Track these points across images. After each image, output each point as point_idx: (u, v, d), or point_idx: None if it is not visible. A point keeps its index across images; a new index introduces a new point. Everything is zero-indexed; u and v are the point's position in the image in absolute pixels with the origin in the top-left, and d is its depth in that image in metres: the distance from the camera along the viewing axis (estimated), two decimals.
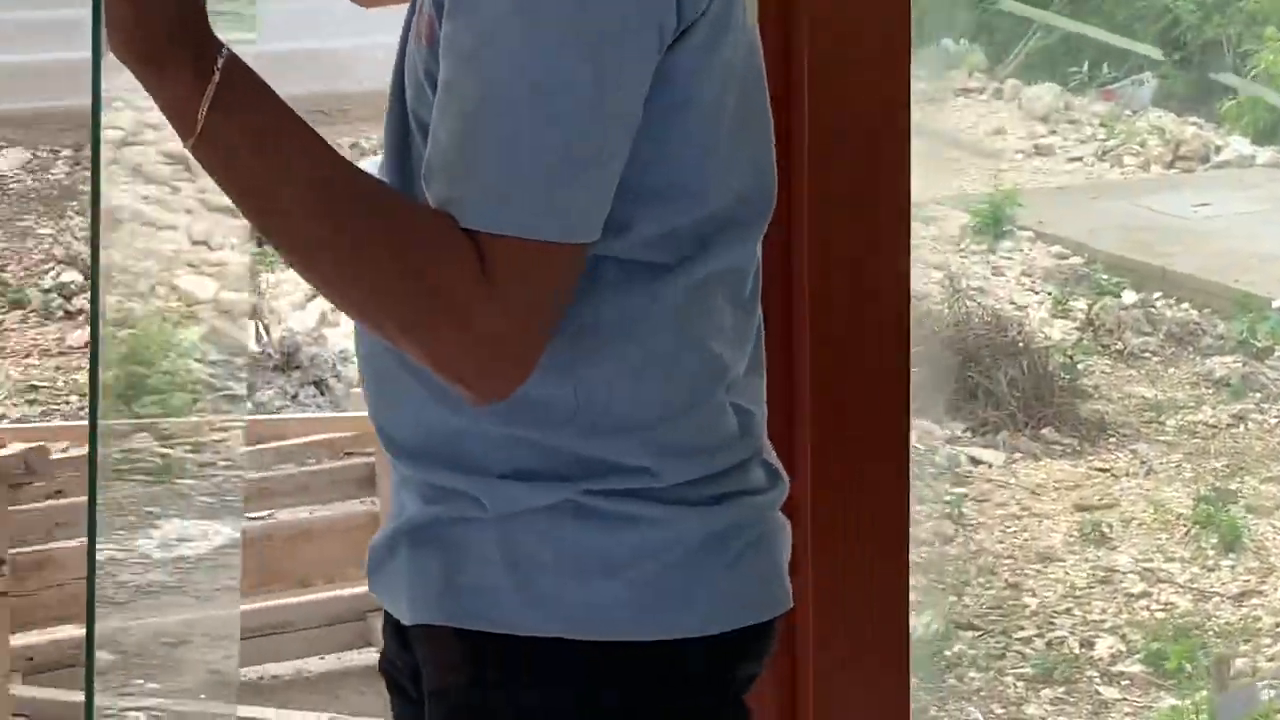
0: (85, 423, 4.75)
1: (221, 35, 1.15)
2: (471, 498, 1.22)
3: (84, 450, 4.50)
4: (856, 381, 1.82)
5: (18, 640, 4.16)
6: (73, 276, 6.47)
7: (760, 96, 1.28)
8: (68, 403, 5.87)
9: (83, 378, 5.61)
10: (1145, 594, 4.96)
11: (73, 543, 4.20)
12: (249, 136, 1.13)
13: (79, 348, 5.90)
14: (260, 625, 4.21)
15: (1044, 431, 5.54)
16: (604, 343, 1.20)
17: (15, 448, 4.59)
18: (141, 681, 3.62)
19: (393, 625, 1.31)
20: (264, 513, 4.49)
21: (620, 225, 1.17)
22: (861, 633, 1.82)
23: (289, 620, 4.45)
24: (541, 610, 1.22)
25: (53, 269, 6.62)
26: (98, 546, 3.75)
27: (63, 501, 4.46)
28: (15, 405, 5.82)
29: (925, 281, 5.55)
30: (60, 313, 6.38)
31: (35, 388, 5.94)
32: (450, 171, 1.14)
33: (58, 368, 6.09)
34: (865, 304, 1.82)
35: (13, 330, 6.29)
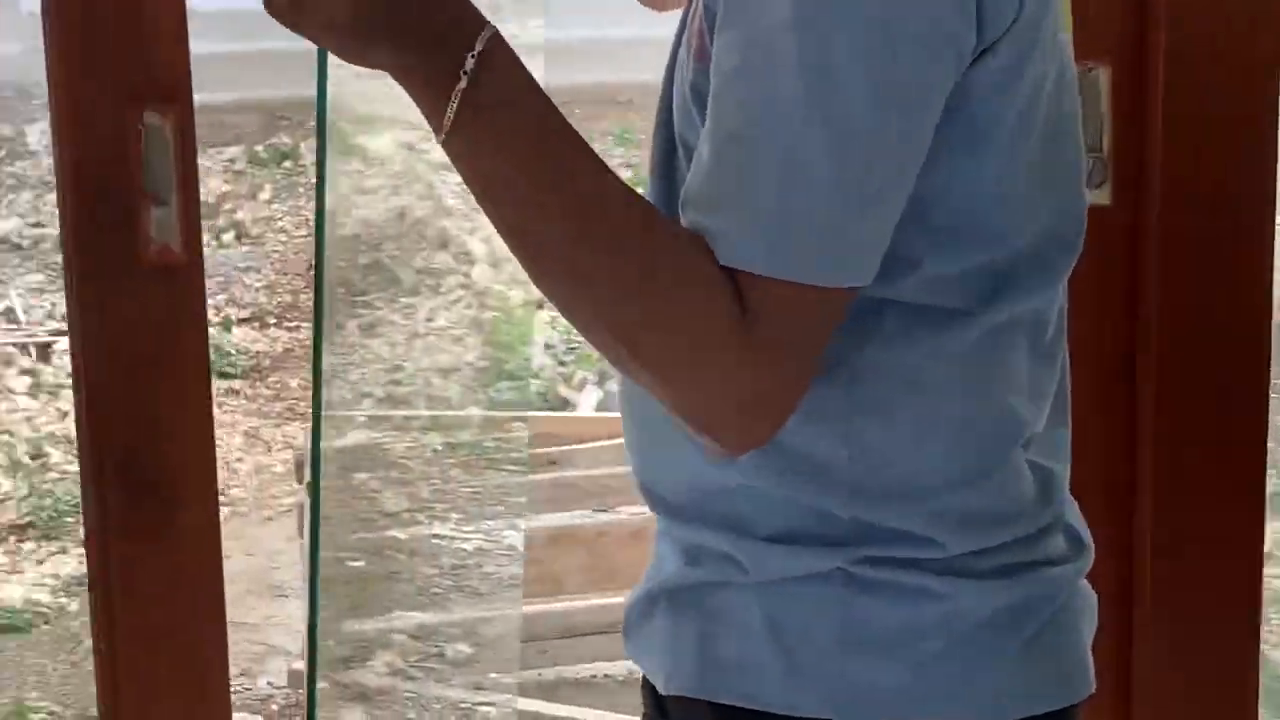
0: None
1: (508, 21, 1.08)
2: (734, 560, 1.14)
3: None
4: (1207, 412, 1.59)
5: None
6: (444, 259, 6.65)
7: (1071, 119, 1.16)
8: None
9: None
10: None
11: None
12: (509, 144, 1.06)
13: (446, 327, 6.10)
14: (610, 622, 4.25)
15: None
16: (884, 397, 1.10)
17: None
18: (496, 675, 3.75)
19: (649, 689, 1.23)
20: (607, 508, 4.51)
21: (907, 265, 1.07)
22: None
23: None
24: (807, 689, 1.12)
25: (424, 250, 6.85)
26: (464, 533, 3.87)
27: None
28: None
29: None
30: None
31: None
32: (711, 200, 1.04)
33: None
34: (1223, 320, 1.58)
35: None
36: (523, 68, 1.06)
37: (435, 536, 4.51)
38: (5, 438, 5.89)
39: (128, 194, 1.55)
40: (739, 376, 1.04)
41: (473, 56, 1.03)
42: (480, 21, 1.05)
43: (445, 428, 4.96)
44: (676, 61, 1.15)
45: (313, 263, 6.88)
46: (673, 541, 1.19)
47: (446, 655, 4.00)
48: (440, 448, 4.92)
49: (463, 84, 1.03)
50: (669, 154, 1.16)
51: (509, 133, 1.05)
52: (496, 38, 1.05)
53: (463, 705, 3.87)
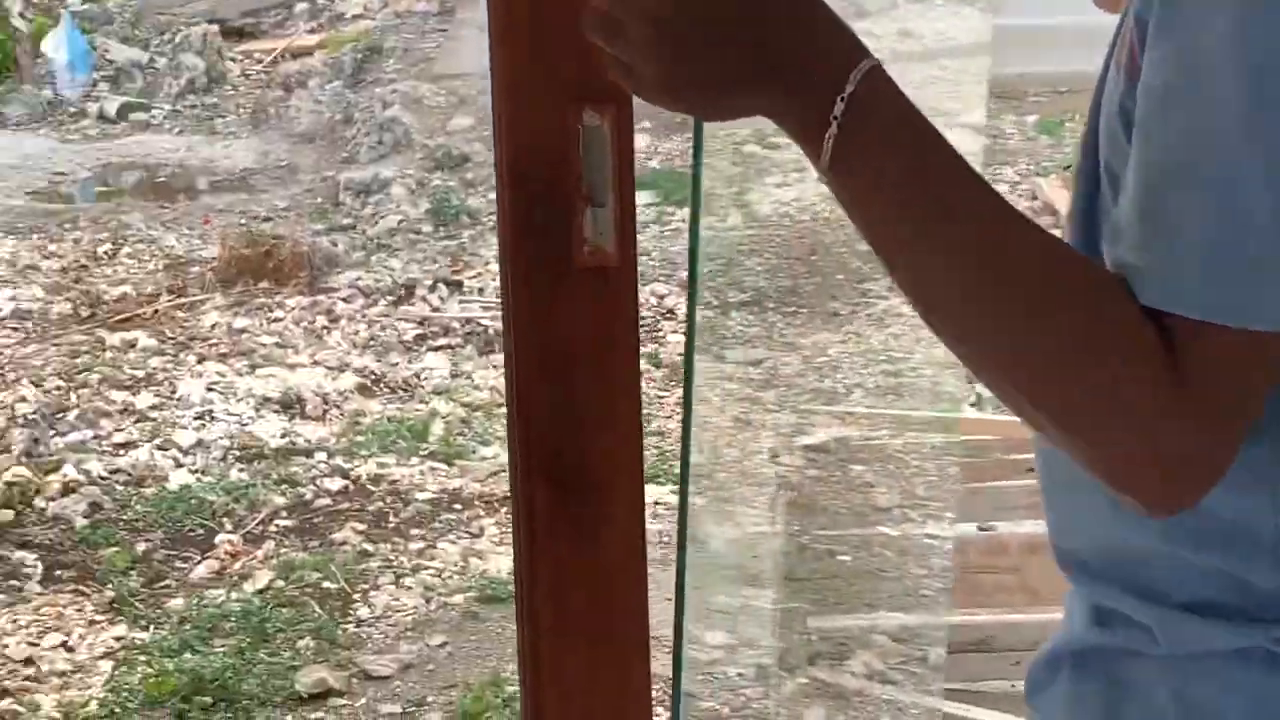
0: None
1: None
2: (1144, 628, 1.10)
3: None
4: None
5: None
6: None
7: None
8: None
9: None
10: None
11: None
12: (885, 184, 1.03)
13: None
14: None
15: None
16: None
17: None
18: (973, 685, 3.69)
19: None
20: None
21: None
22: None
23: None
24: None
25: None
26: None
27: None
28: None
29: None
30: None
31: None
32: (1138, 235, 0.99)
33: None
34: None
35: None
36: (900, 104, 1.03)
37: (928, 536, 4.47)
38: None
39: (566, 195, 1.57)
40: (1165, 436, 0.99)
41: (842, 100, 1.01)
42: (851, 54, 1.03)
43: (945, 428, 4.95)
44: (1105, 85, 1.07)
45: (813, 249, 6.96)
46: (1082, 600, 1.15)
47: (929, 660, 3.96)
48: (938, 444, 4.89)
49: (833, 129, 1.01)
50: (1091, 188, 1.08)
51: (885, 176, 1.03)
52: (870, 73, 1.02)
53: (940, 713, 3.83)
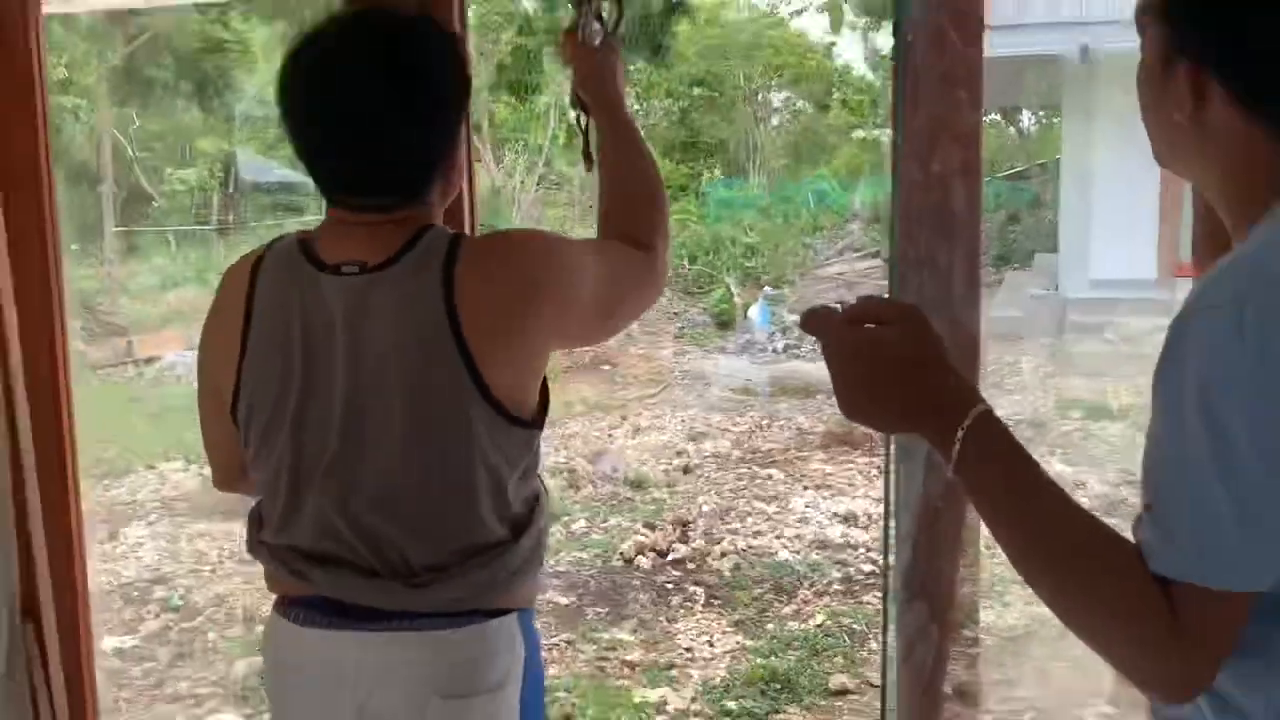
0: None
1: None
2: None
3: None
4: None
5: None
6: None
7: None
8: None
9: None
10: None
11: None
12: (989, 488, 0.96)
13: None
14: None
15: None
16: None
17: None
18: None
19: None
20: None
21: None
22: None
23: None
24: None
25: None
26: None
27: None
28: None
29: None
30: None
31: None
32: (1148, 524, 0.92)
33: None
34: None
35: None
36: (1003, 435, 0.96)
37: None
38: None
39: None
40: (1166, 664, 0.91)
41: (962, 429, 0.95)
42: (969, 402, 0.96)
43: None
44: None
45: None
46: None
47: None
48: None
49: (956, 448, 0.95)
50: None
51: (991, 483, 0.96)
52: (981, 415, 0.96)
53: None
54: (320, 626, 1.39)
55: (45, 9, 2.05)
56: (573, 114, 1.61)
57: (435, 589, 1.36)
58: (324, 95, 1.34)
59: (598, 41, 1.57)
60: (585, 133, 1.60)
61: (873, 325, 0.98)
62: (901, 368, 0.96)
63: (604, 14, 1.55)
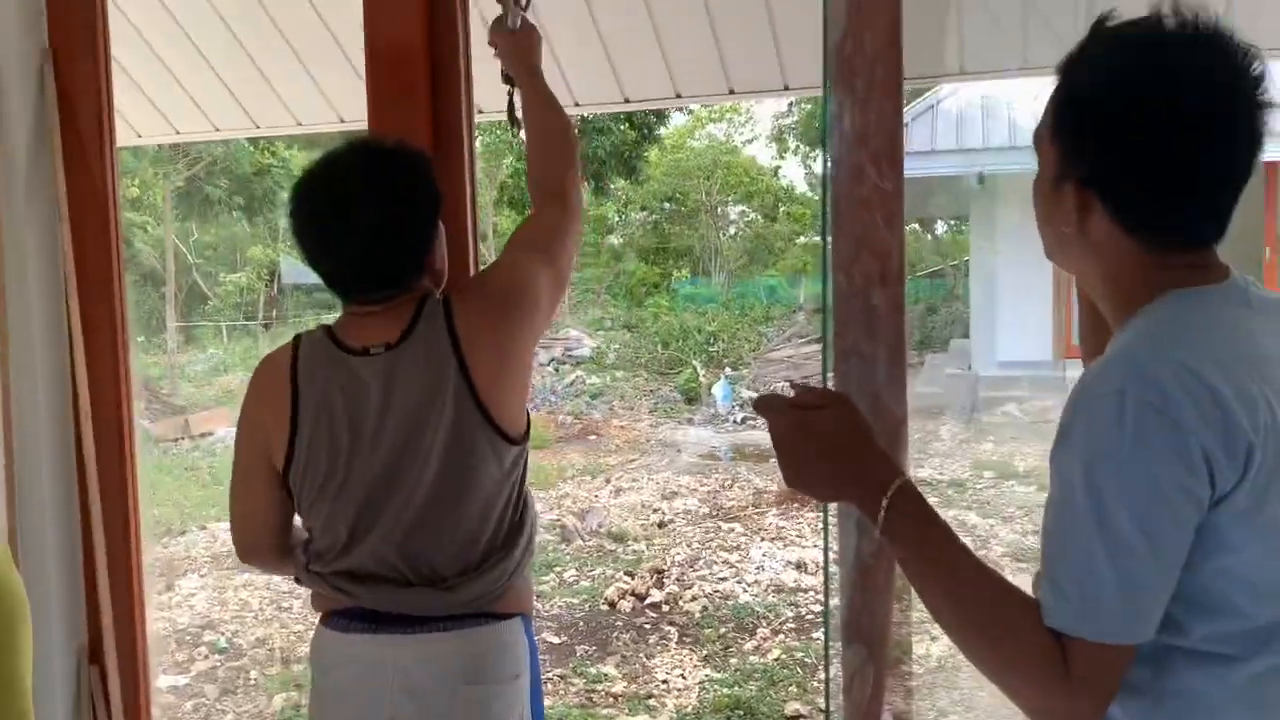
0: None
1: None
2: None
3: None
4: None
5: None
6: None
7: None
8: None
9: None
10: None
11: None
12: (908, 550, 0.95)
13: None
14: None
15: None
16: (1180, 714, 0.91)
17: None
18: None
19: None
20: None
21: (1178, 627, 0.89)
22: None
23: None
24: None
25: None
26: None
27: None
28: None
29: None
30: None
31: None
32: (1044, 583, 0.90)
33: None
34: None
35: None
36: (920, 505, 0.95)
37: None
38: None
39: None
40: (1057, 704, 0.89)
41: (886, 500, 0.94)
42: (891, 476, 0.95)
43: None
44: None
45: None
46: None
47: None
48: None
49: (881, 515, 0.94)
50: None
51: (911, 546, 0.95)
52: (901, 487, 0.94)
53: None
54: (361, 632, 1.45)
55: (119, 143, 2.09)
56: (505, 88, 1.68)
57: (460, 590, 1.42)
58: (335, 219, 1.42)
59: (519, 25, 1.65)
60: (510, 102, 1.68)
61: (810, 409, 0.97)
62: (832, 445, 0.95)
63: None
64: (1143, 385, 0.84)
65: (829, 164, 1.39)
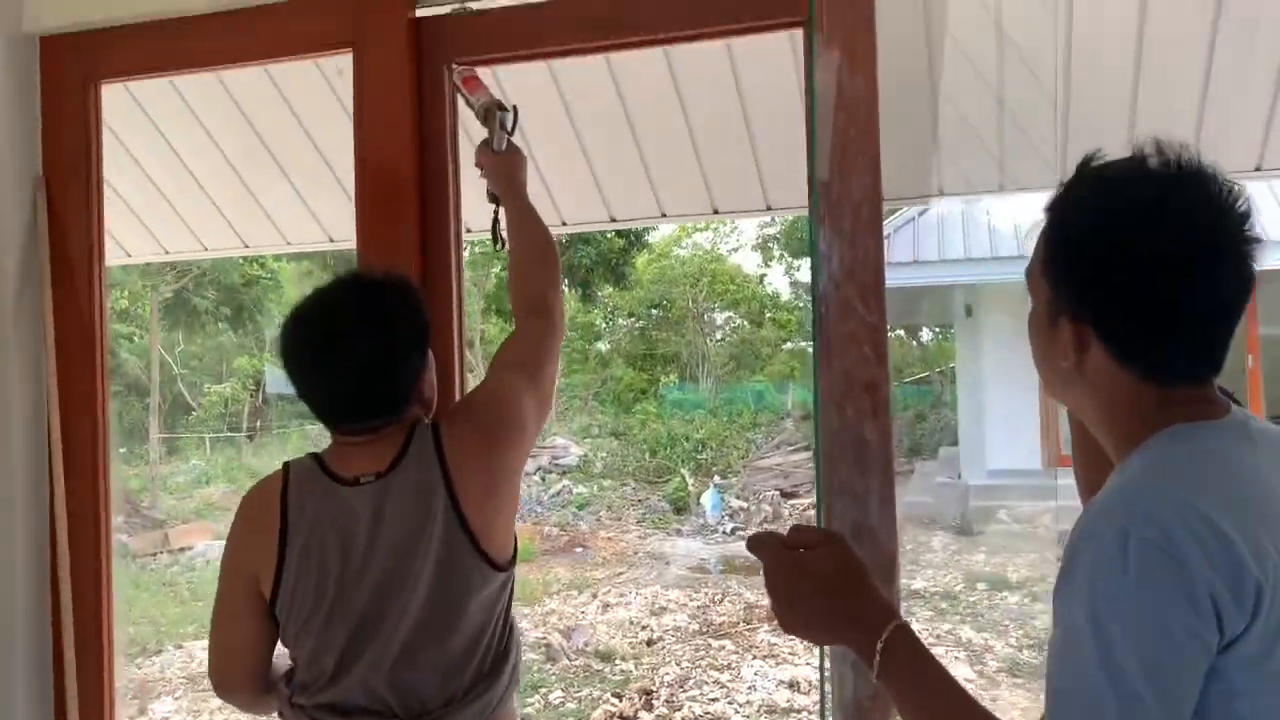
0: None
1: None
2: None
3: None
4: None
5: None
6: None
7: None
8: None
9: None
10: None
11: None
12: (904, 694, 0.94)
13: None
14: None
15: None
16: None
17: None
18: None
19: None
20: None
21: None
22: None
23: None
24: None
25: None
26: None
27: None
28: None
29: None
30: None
31: None
32: (1051, 711, 0.88)
33: None
34: None
35: None
36: (915, 647, 0.94)
37: None
38: None
39: None
40: None
41: (881, 643, 0.94)
42: (886, 618, 0.95)
43: None
44: None
45: None
46: None
47: None
48: None
49: (877, 658, 0.94)
50: None
51: (906, 688, 0.94)
52: (896, 629, 0.94)
53: None
54: None
55: (108, 261, 2.11)
56: (491, 206, 1.71)
57: None
58: (326, 352, 1.43)
59: (504, 147, 1.69)
60: (495, 220, 1.71)
61: (804, 549, 0.97)
62: (827, 588, 0.95)
63: (505, 123, 1.67)
64: (1146, 524, 0.84)
65: (817, 301, 1.40)
